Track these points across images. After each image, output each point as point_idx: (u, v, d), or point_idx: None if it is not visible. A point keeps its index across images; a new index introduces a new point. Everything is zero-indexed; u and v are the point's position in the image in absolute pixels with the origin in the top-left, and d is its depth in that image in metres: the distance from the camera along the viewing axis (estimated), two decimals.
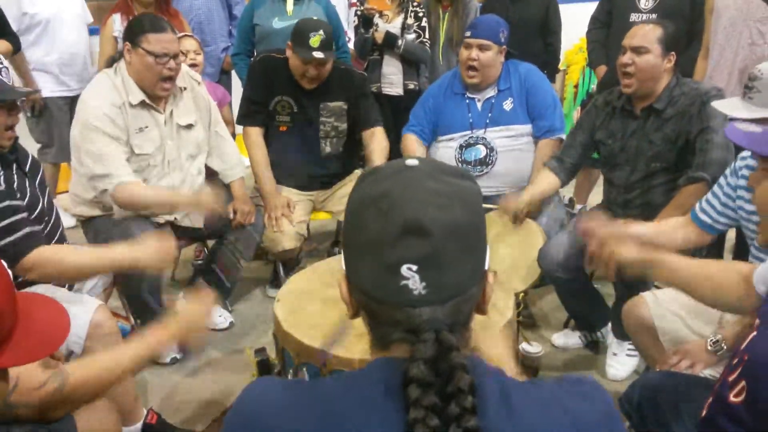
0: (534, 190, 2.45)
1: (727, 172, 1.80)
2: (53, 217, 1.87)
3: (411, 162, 0.76)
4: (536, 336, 2.58)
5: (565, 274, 2.25)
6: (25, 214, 1.68)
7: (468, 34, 2.62)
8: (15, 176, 1.74)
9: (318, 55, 2.51)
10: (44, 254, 1.67)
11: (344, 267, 0.77)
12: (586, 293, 2.41)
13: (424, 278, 0.69)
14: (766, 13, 2.59)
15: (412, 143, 2.77)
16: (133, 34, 2.21)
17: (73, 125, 2.25)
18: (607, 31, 3.24)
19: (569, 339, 2.53)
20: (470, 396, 0.66)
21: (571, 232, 2.34)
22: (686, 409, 1.36)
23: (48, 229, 1.82)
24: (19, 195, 1.70)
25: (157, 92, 2.26)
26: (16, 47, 3.30)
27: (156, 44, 2.18)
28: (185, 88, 2.41)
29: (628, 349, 2.32)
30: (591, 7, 3.43)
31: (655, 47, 2.11)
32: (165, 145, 2.34)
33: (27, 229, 1.65)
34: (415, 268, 0.69)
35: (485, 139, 2.65)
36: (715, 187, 1.83)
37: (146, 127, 2.28)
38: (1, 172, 1.68)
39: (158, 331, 1.39)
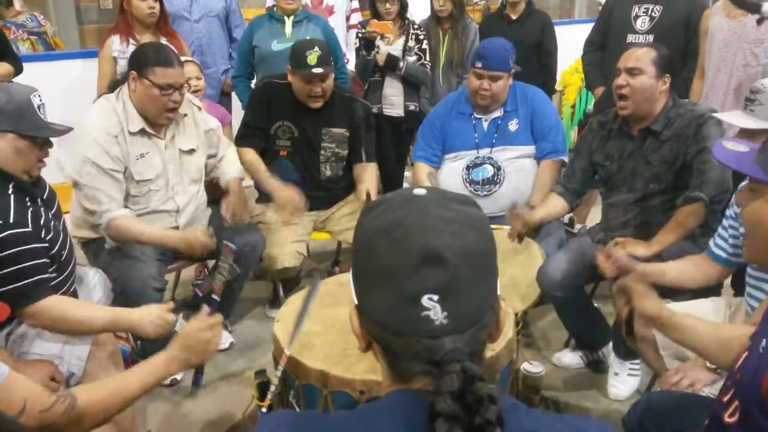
0: (547, 211, 2.46)
1: (732, 201, 1.82)
2: (68, 243, 1.87)
3: (419, 191, 0.76)
4: (537, 355, 2.57)
5: (564, 293, 2.25)
6: (43, 260, 1.68)
7: (479, 65, 2.61)
8: (42, 210, 1.74)
9: (317, 70, 2.54)
10: (47, 307, 1.66)
11: (356, 299, 0.76)
12: (586, 312, 2.41)
13: (445, 307, 0.68)
14: (759, 36, 2.63)
15: (422, 174, 2.79)
16: (139, 63, 2.22)
17: (70, 152, 2.24)
18: (602, 53, 3.28)
19: (570, 358, 2.52)
20: (498, 428, 0.65)
21: (570, 250, 2.35)
22: (688, 428, 1.35)
23: (65, 256, 1.81)
24: (44, 233, 1.70)
25: (159, 121, 2.28)
26: (18, 70, 3.33)
27: (162, 77, 2.19)
28: (186, 115, 2.43)
29: (630, 369, 2.31)
30: (586, 29, 3.48)
31: (649, 69, 2.14)
32: (167, 170, 2.36)
33: (37, 277, 1.65)
34: (435, 298, 0.68)
35: (492, 158, 2.68)
36: (724, 221, 1.86)
37: (147, 153, 2.29)
38: (30, 208, 1.68)
39: (164, 355, 1.38)
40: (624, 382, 2.31)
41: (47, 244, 1.71)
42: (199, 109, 2.54)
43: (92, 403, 1.20)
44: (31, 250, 1.64)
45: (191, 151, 2.44)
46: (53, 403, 1.14)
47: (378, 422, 0.70)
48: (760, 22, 2.30)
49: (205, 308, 1.58)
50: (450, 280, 0.68)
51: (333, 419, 0.74)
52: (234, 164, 2.65)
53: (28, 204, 1.69)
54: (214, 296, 1.71)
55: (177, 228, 2.43)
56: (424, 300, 0.68)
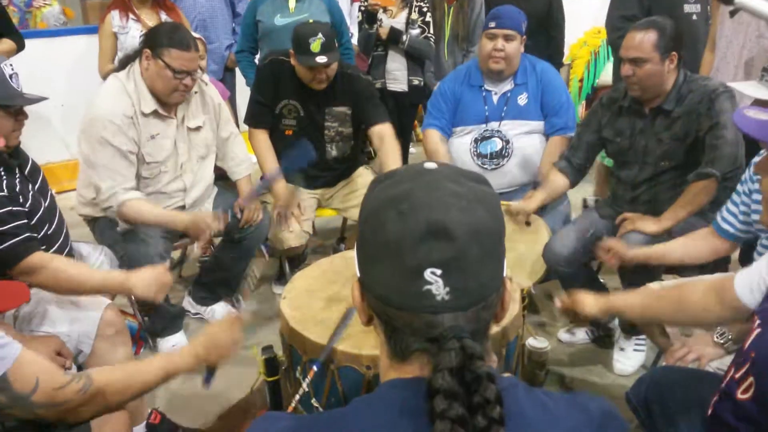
0: (545, 193, 2.45)
1: (744, 177, 1.80)
2: (56, 220, 1.87)
3: (429, 165, 0.74)
4: (542, 331, 2.57)
5: (569, 268, 2.25)
6: (25, 221, 1.68)
7: (493, 24, 2.60)
8: (17, 181, 1.74)
9: (321, 59, 2.48)
10: (40, 261, 1.66)
11: (358, 271, 0.75)
12: (591, 288, 2.40)
13: (448, 283, 0.66)
14: None
15: (435, 139, 2.76)
16: (155, 42, 2.20)
17: (81, 131, 2.23)
18: None
19: (576, 334, 2.53)
20: (498, 406, 0.64)
21: (577, 226, 2.34)
22: (694, 404, 1.36)
23: (50, 232, 1.81)
24: (21, 200, 1.70)
25: (169, 101, 2.27)
26: (20, 46, 3.31)
27: (177, 61, 2.17)
28: (196, 92, 2.41)
29: (636, 344, 2.32)
30: (595, 1, 3.39)
31: (652, 55, 2.09)
32: (176, 149, 2.35)
33: (22, 236, 1.65)
34: (439, 272, 0.66)
35: (501, 132, 2.66)
36: (734, 196, 1.83)
37: (158, 134, 2.28)
38: (4, 178, 1.68)
39: (186, 349, 1.38)
40: (629, 357, 2.32)
41: (26, 209, 1.70)
42: (206, 84, 2.51)
43: (109, 384, 1.19)
44: (10, 212, 1.64)
45: (198, 128, 2.43)
46: (68, 381, 1.13)
47: (372, 413, 0.69)
48: (732, 14, 2.25)
49: (232, 309, 1.56)
50: (455, 256, 0.66)
51: (328, 417, 0.73)
52: (243, 160, 2.64)
53: (3, 175, 1.69)
54: (241, 300, 1.70)
55: (184, 207, 2.44)
56: (427, 274, 0.66)
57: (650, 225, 2.11)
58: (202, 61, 2.95)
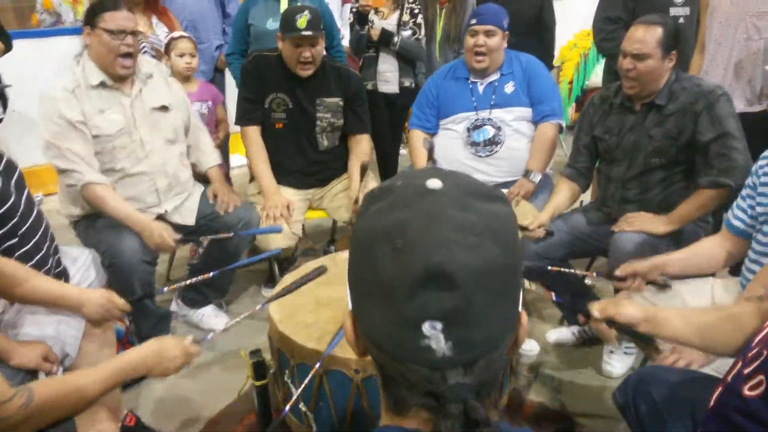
0: (555, 204, 2.39)
1: (752, 170, 1.79)
2: (32, 218, 1.78)
3: (433, 184, 0.62)
4: (531, 333, 2.57)
5: (543, 263, 2.25)
6: None
7: (473, 21, 2.68)
8: None
9: (306, 33, 2.51)
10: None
11: (351, 306, 0.66)
12: (578, 287, 2.41)
13: (450, 337, 0.57)
14: (762, 8, 2.59)
15: (418, 140, 2.83)
16: (90, 16, 2.24)
17: (41, 117, 2.24)
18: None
19: (564, 336, 2.53)
20: None
21: (562, 223, 2.35)
22: (682, 402, 1.35)
23: (23, 230, 1.74)
24: None
25: (117, 71, 2.26)
26: (8, 47, 3.28)
27: (111, 22, 2.20)
28: (152, 75, 2.40)
29: (625, 346, 2.32)
30: (585, 3, 3.40)
31: (655, 52, 2.08)
32: (134, 127, 2.31)
33: None
34: (439, 326, 0.57)
35: (491, 119, 2.70)
36: (743, 191, 1.82)
37: (108, 109, 2.27)
38: None
39: (131, 354, 1.35)
40: (619, 359, 2.32)
41: None
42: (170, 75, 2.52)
43: (50, 398, 1.16)
44: None
45: (163, 108, 2.40)
46: (12, 395, 1.10)
47: None
48: None
49: (190, 338, 1.56)
50: (459, 307, 0.57)
51: None
52: (211, 151, 2.66)
53: None
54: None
55: (157, 191, 2.41)
56: (425, 327, 0.57)
57: (659, 226, 2.11)
58: (193, 59, 2.95)
